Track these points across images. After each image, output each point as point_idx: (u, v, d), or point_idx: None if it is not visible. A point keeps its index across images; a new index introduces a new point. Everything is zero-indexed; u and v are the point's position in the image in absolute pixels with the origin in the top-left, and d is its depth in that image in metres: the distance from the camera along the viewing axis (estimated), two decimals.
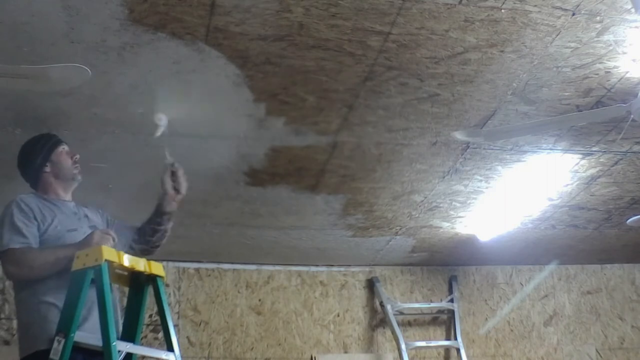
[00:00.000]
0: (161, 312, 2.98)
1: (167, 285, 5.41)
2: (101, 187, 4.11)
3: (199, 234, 5.09)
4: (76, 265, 2.77)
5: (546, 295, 6.29)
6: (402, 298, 6.05)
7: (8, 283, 4.78)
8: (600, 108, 3.51)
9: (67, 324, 2.70)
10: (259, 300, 5.80)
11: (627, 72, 3.34)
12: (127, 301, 3.06)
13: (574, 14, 2.90)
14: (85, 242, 2.90)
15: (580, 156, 4.24)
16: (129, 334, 2.94)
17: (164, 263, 3.42)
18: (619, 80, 3.41)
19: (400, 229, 5.23)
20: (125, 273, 2.98)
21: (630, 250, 6.06)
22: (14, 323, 4.81)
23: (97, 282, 2.73)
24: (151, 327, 5.19)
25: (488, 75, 3.34)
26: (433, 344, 5.94)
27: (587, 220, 5.29)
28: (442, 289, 6.16)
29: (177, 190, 3.33)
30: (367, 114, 3.63)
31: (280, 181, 4.35)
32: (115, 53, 2.99)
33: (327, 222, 5.02)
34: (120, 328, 2.97)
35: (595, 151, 4.18)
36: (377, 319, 5.97)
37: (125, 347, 2.81)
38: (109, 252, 2.79)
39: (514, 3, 2.82)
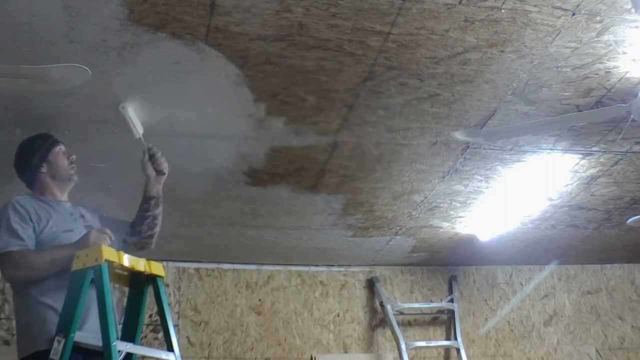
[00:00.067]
0: (161, 312, 2.98)
1: (167, 285, 5.41)
2: (101, 187, 4.10)
3: (199, 234, 5.09)
4: (76, 266, 2.77)
5: (546, 295, 6.29)
6: (402, 298, 6.04)
7: (8, 283, 4.77)
8: (600, 108, 3.50)
9: (67, 324, 2.70)
10: (259, 300, 5.80)
11: (627, 72, 3.34)
12: (127, 301, 3.05)
13: (574, 14, 2.90)
14: (82, 242, 2.90)
15: (580, 156, 4.24)
16: (129, 334, 2.94)
17: (164, 263, 3.42)
18: (619, 80, 3.41)
19: (400, 229, 5.23)
20: (125, 273, 2.98)
21: (630, 250, 6.06)
22: (14, 323, 4.79)
23: (97, 282, 2.73)
24: (151, 327, 5.19)
25: (488, 75, 3.34)
26: (433, 344, 5.93)
27: (587, 220, 5.28)
28: (442, 289, 6.15)
29: (159, 171, 3.34)
30: (367, 114, 3.63)
31: (280, 181, 4.35)
32: (115, 53, 2.98)
33: (327, 222, 5.02)
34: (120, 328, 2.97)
35: (595, 151, 4.18)
36: (377, 319, 5.96)
37: (125, 347, 2.80)
38: (109, 252, 2.79)
39: (514, 3, 2.82)
